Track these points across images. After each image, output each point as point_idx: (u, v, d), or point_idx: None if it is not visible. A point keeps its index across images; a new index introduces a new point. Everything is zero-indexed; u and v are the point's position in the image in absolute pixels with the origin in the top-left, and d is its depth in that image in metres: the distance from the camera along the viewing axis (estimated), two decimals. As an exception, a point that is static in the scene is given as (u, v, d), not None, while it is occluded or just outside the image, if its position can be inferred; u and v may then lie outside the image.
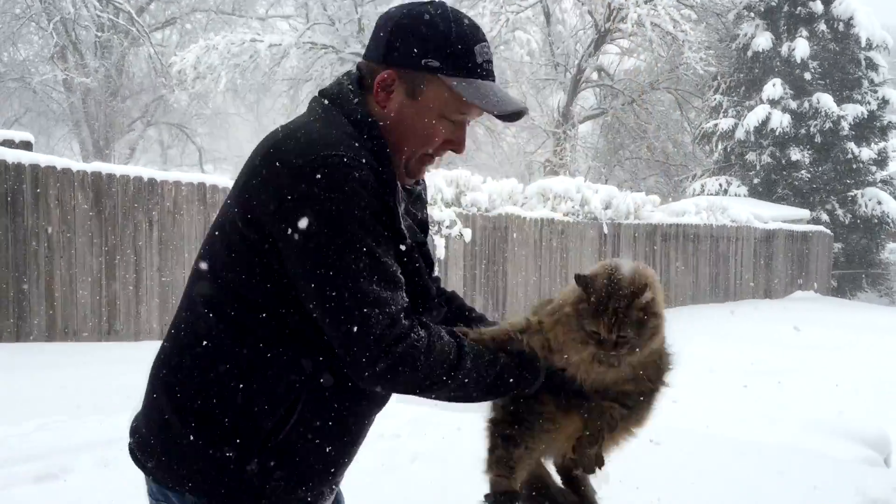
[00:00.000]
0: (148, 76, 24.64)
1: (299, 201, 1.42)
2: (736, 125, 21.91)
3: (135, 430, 1.63)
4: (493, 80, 1.61)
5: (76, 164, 8.15)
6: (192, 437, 1.51)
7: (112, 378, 6.01)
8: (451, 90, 1.56)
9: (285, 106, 21.10)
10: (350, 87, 1.61)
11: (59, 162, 8.05)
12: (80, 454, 4.24)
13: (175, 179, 8.79)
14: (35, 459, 4.18)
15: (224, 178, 9.76)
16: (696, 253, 15.72)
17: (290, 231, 1.42)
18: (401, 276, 1.50)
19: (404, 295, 1.49)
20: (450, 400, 1.58)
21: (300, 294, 1.46)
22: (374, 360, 1.42)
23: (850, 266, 22.02)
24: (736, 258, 16.91)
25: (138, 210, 8.43)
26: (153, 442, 1.56)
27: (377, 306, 1.42)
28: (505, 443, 1.66)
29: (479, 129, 22.53)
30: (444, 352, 1.50)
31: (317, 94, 1.65)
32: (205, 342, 1.52)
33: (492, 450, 1.69)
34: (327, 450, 1.56)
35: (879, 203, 21.35)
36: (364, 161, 1.46)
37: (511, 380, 1.59)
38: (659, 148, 25.05)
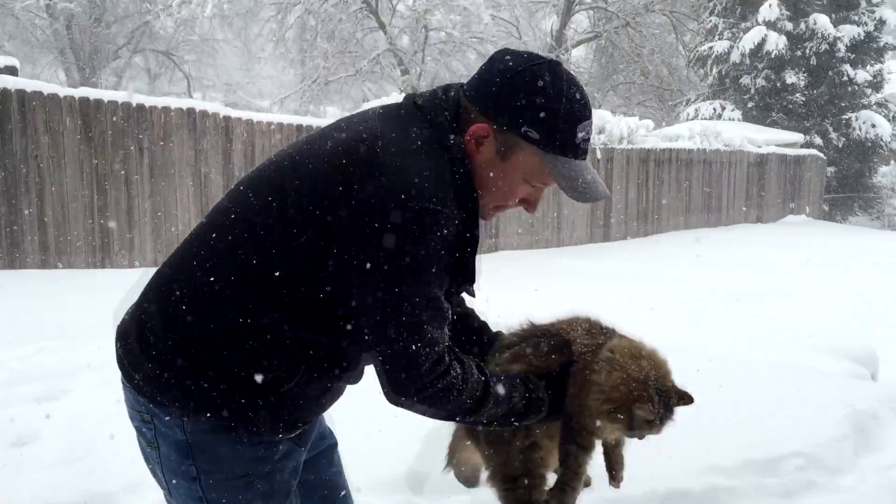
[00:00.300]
0: (133, 1, 24.05)
1: (388, 240, 1.42)
2: (731, 48, 21.61)
3: (123, 336, 1.62)
4: (586, 158, 1.59)
5: (63, 90, 8.02)
6: (184, 370, 1.52)
7: (107, 304, 6.03)
8: (541, 163, 1.56)
9: (273, 31, 20.67)
10: (447, 114, 1.57)
11: (46, 87, 7.92)
12: (79, 376, 4.29)
13: (164, 105, 8.66)
14: (35, 381, 4.23)
15: (214, 104, 9.62)
16: (689, 178, 15.69)
17: (367, 263, 1.43)
18: (450, 314, 1.55)
19: (447, 330, 1.56)
20: (460, 423, 1.76)
21: (355, 309, 1.50)
22: (414, 391, 1.51)
23: (842, 190, 22.05)
24: (728, 183, 16.90)
25: (127, 136, 8.33)
26: (142, 356, 1.55)
27: (429, 346, 1.48)
28: None
29: (472, 54, 22.18)
30: (473, 389, 1.59)
31: (413, 104, 1.60)
32: (227, 295, 1.51)
33: None
34: (309, 407, 1.63)
35: (874, 126, 21.23)
36: (454, 214, 1.47)
37: (519, 418, 1.72)
38: (653, 72, 24.72)
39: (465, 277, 1.58)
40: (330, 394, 1.66)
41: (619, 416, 1.75)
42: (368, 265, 1.43)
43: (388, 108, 1.62)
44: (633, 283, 8.49)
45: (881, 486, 3.38)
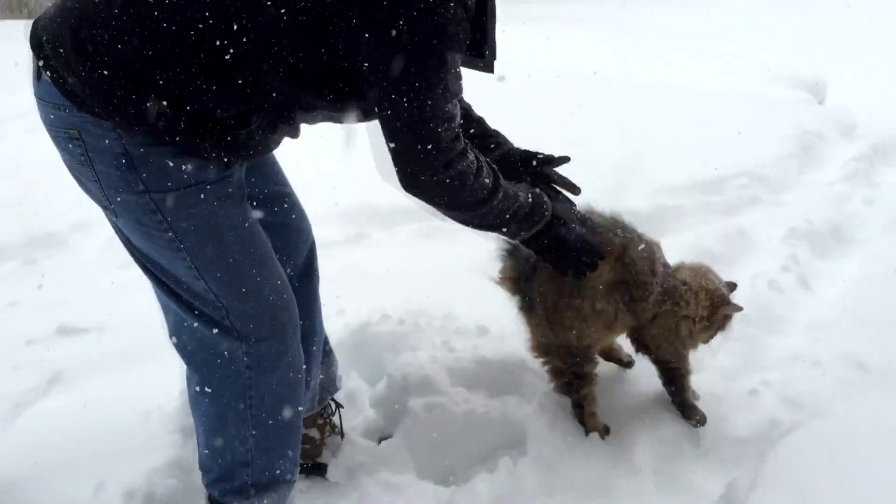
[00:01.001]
0: None
1: (413, 16, 1.35)
2: None
3: (51, 32, 1.44)
4: None
5: None
6: (132, 86, 1.39)
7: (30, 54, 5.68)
8: None
9: None
10: None
11: None
12: (11, 123, 4.14)
13: None
14: (-35, 128, 4.05)
15: None
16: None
17: (391, 29, 1.35)
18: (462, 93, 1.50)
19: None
20: (465, 224, 1.64)
21: (369, 83, 1.42)
22: (435, 170, 1.46)
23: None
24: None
25: None
26: (82, 63, 1.39)
27: (448, 121, 1.44)
28: (579, 383, 2.03)
29: None
30: (486, 177, 1.54)
31: None
32: (204, 25, 1.37)
33: (576, 391, 2.04)
34: (250, 153, 1.56)
35: None
36: None
37: (523, 219, 1.66)
38: None
39: (488, 50, 1.54)
40: (272, 144, 1.62)
41: (712, 328, 1.97)
42: (394, 32, 1.35)
43: None
44: (584, 25, 8.28)
45: (822, 198, 3.50)
